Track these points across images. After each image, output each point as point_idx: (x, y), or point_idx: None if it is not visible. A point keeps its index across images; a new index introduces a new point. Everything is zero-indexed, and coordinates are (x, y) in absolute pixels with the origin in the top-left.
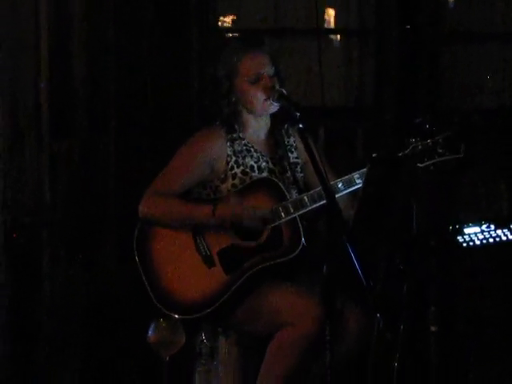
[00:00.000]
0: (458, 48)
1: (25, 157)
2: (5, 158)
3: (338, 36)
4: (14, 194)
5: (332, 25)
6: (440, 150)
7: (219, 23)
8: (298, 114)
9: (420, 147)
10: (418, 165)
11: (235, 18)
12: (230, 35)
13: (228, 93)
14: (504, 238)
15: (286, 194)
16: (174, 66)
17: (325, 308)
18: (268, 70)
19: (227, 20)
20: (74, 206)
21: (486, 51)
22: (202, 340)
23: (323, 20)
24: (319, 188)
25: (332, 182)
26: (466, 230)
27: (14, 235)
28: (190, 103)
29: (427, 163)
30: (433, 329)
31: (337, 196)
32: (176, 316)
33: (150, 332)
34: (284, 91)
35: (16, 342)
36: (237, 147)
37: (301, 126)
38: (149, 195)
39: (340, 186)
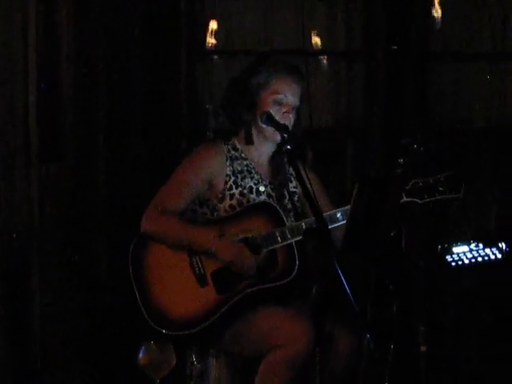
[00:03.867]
0: (446, 68)
1: (14, 180)
2: None
3: (326, 57)
4: (4, 219)
5: (319, 46)
6: (441, 188)
7: (208, 45)
8: (286, 136)
9: (421, 184)
10: (418, 201)
11: (224, 39)
12: (216, 56)
13: (251, 103)
14: (492, 257)
15: (284, 219)
16: (163, 87)
17: (315, 329)
18: (295, 100)
19: (216, 41)
20: (64, 228)
21: (474, 70)
22: (193, 362)
23: (311, 41)
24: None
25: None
26: (455, 249)
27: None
28: (180, 123)
29: (426, 200)
30: (423, 348)
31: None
32: (163, 331)
33: (140, 355)
34: (272, 113)
35: (9, 354)
36: (237, 166)
37: (288, 147)
38: (151, 212)
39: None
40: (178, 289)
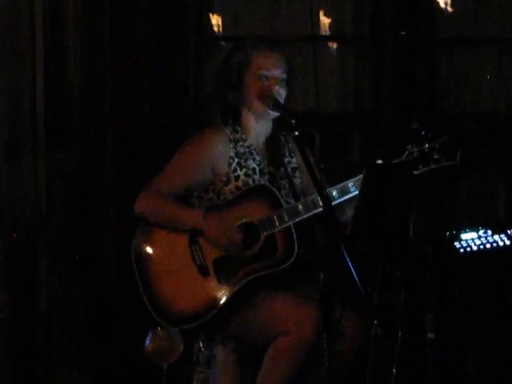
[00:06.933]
0: (454, 53)
1: (22, 168)
2: (1, 169)
3: (334, 42)
4: (11, 206)
5: (327, 31)
6: (436, 156)
7: (215, 31)
8: (294, 122)
9: (416, 154)
10: (413, 172)
11: (231, 25)
12: (223, 43)
13: (235, 85)
14: (501, 244)
15: (282, 202)
16: (170, 74)
17: (322, 315)
18: (279, 73)
19: (223, 28)
20: (71, 216)
21: (482, 57)
22: (200, 348)
23: (319, 26)
24: (314, 196)
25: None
26: (463, 236)
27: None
28: (187, 111)
29: (422, 170)
30: (430, 336)
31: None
32: (171, 327)
33: (147, 341)
34: (279, 99)
35: (14, 352)
36: (239, 149)
37: (296, 133)
38: (146, 192)
39: (335, 194)
40: (182, 282)
